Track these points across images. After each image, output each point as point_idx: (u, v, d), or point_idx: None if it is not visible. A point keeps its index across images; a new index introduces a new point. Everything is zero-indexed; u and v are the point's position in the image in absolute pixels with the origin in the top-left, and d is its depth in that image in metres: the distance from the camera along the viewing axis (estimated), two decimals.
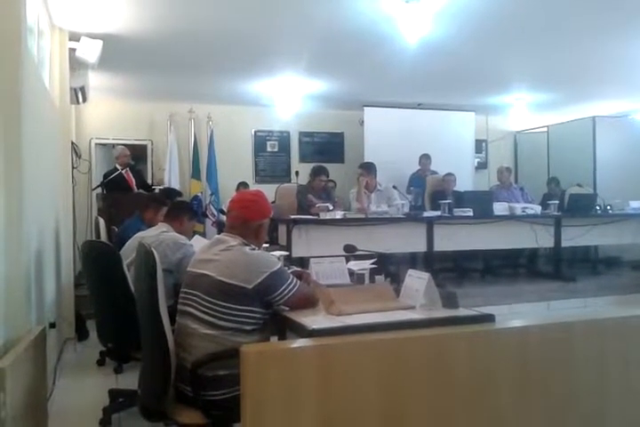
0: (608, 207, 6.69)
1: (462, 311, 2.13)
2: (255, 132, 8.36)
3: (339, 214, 5.52)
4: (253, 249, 2.24)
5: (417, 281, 2.26)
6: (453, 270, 6.67)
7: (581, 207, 6.50)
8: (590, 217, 6.51)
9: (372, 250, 3.00)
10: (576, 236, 6.40)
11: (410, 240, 5.81)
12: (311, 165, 6.62)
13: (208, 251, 2.28)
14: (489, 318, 2.04)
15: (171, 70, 6.23)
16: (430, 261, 6.01)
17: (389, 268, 5.11)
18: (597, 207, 6.65)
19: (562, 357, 2.04)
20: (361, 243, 3.05)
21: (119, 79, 6.48)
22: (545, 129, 8.97)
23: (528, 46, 5.49)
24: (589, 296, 5.99)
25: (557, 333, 2.06)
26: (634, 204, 6.75)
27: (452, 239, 5.95)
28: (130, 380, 3.38)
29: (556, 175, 7.74)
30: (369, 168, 6.10)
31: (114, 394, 3.25)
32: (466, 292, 5.78)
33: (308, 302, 2.25)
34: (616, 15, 4.62)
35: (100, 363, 4.06)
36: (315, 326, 1.94)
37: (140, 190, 6.50)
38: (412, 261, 6.33)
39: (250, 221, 2.31)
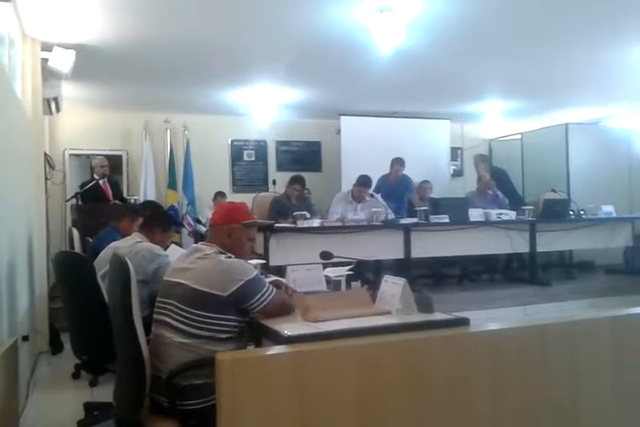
0: (581, 212, 6.80)
1: (437, 316, 2.14)
2: (232, 141, 8.35)
3: (316, 222, 5.53)
4: (229, 257, 2.23)
5: (393, 287, 2.27)
6: (431, 277, 6.72)
7: (555, 212, 6.60)
8: (564, 222, 6.62)
9: (350, 257, 3.02)
10: (550, 241, 6.49)
11: (387, 247, 5.85)
12: (289, 174, 6.64)
13: (184, 260, 2.27)
14: (463, 322, 2.05)
15: (145, 80, 6.21)
16: (408, 267, 6.04)
17: (367, 274, 5.14)
18: (571, 212, 6.76)
19: (535, 359, 2.07)
20: (339, 250, 3.06)
21: (93, 89, 6.43)
22: (519, 136, 9.11)
23: (501, 55, 5.58)
24: (565, 300, 6.07)
25: (530, 335, 2.08)
26: (606, 208, 6.88)
27: (428, 246, 6.00)
28: (106, 393, 3.32)
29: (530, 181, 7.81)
30: (367, 183, 6.16)
31: (89, 407, 3.20)
32: (443, 297, 5.80)
33: (284, 310, 2.24)
34: (586, 24, 4.72)
35: (75, 376, 3.99)
36: (290, 333, 1.93)
37: (116, 201, 6.45)
38: (390, 267, 6.35)
39: (219, 225, 2.33)
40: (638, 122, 8.38)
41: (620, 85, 6.88)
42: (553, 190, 7.31)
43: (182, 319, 2.09)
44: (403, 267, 6.11)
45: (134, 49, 5.03)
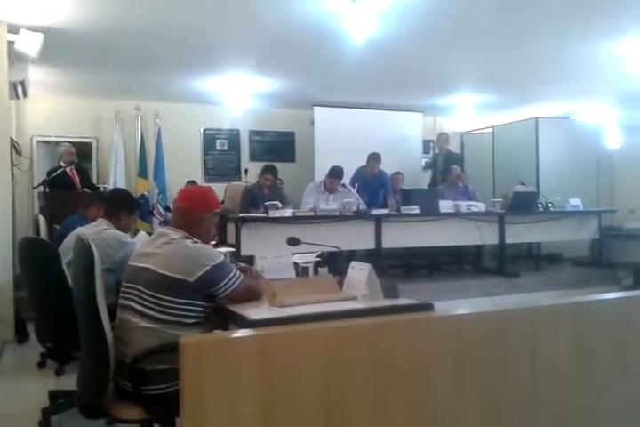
0: (549, 205, 6.91)
1: (402, 301, 2.17)
2: (204, 130, 8.27)
3: (288, 212, 5.53)
4: (196, 242, 2.22)
5: (359, 273, 2.29)
6: (401, 267, 6.77)
7: (524, 205, 6.70)
8: (532, 214, 6.73)
9: (318, 244, 3.03)
10: (519, 233, 6.60)
11: (359, 237, 5.88)
12: (262, 164, 6.61)
13: (150, 245, 2.25)
14: (427, 307, 2.08)
15: (116, 66, 6.11)
16: (379, 257, 6.08)
17: (339, 264, 5.16)
18: (539, 205, 6.87)
19: (497, 344, 2.10)
20: (311, 240, 3.06)
21: (62, 74, 6.30)
22: (490, 130, 9.21)
23: (473, 47, 5.63)
24: (532, 291, 6.20)
25: (493, 320, 2.12)
26: (573, 201, 7.01)
27: (399, 236, 6.05)
28: (71, 381, 3.25)
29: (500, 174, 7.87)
30: (338, 174, 6.17)
31: (54, 395, 3.16)
32: (413, 288, 5.88)
33: (251, 295, 2.25)
34: (557, 19, 4.78)
35: (41, 365, 3.93)
36: (256, 317, 1.94)
37: (85, 189, 6.35)
38: (362, 258, 6.38)
39: (191, 213, 2.29)
40: (606, 117, 8.53)
41: (589, 80, 7.00)
42: (522, 183, 7.41)
43: (148, 304, 2.08)
44: (374, 257, 6.15)
45: (104, 33, 4.94)
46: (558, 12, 4.61)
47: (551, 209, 6.89)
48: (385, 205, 6.59)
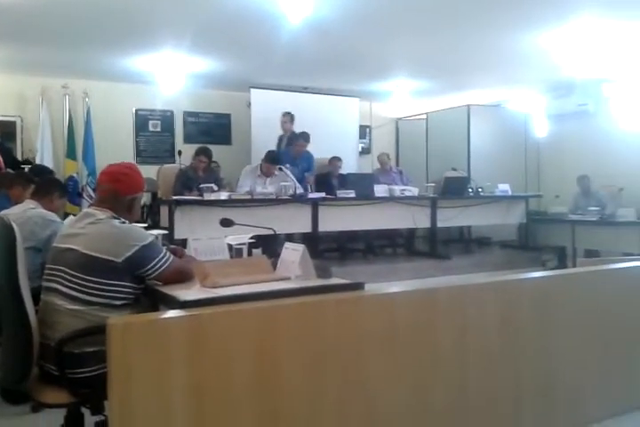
0: (479, 190, 7.13)
1: (334, 280, 2.19)
2: (136, 110, 8.02)
3: (224, 195, 5.46)
4: (123, 222, 2.16)
5: (292, 253, 2.30)
6: (337, 250, 6.84)
7: (455, 190, 6.88)
8: (463, 199, 6.93)
9: (258, 232, 3.02)
10: (450, 217, 6.79)
11: (295, 221, 5.88)
12: (197, 146, 6.49)
13: (74, 225, 2.17)
14: (359, 286, 2.12)
15: (42, 41, 5.81)
16: (315, 241, 6.12)
17: (276, 248, 5.16)
18: (470, 190, 7.07)
19: (427, 321, 2.17)
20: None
21: None
22: (424, 116, 9.38)
23: (409, 34, 5.69)
24: (463, 273, 6.41)
25: (422, 298, 2.18)
26: (502, 187, 7.25)
27: (335, 220, 6.10)
28: None
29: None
30: (274, 159, 6.09)
31: None
32: (348, 270, 5.96)
33: (182, 276, 2.22)
34: (488, 9, 4.90)
35: None
36: (187, 298, 1.92)
37: (8, 169, 6.04)
38: (297, 241, 6.40)
39: (122, 195, 2.23)
40: (534, 105, 8.86)
41: (518, 69, 7.23)
42: (454, 169, 7.62)
43: (74, 286, 2.02)
44: (310, 240, 6.18)
45: (31, 6, 4.68)
46: (489, 2, 4.72)
47: (481, 194, 7.11)
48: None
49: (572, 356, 2.53)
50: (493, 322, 2.34)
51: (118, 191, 2.22)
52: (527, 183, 8.62)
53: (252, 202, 5.59)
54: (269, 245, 4.88)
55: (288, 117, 7.42)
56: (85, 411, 2.04)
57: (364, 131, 9.35)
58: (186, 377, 1.73)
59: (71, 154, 7.35)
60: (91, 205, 2.33)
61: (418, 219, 6.61)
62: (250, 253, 2.70)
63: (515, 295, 2.41)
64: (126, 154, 7.70)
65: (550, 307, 2.48)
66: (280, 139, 7.55)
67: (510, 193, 7.30)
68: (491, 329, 2.33)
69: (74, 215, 4.40)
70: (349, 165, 8.00)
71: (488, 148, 8.47)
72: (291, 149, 7.02)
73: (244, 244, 2.68)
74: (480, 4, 4.79)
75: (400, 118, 9.86)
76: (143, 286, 2.15)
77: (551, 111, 8.46)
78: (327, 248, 6.76)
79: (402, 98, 8.44)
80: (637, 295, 2.75)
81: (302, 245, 2.26)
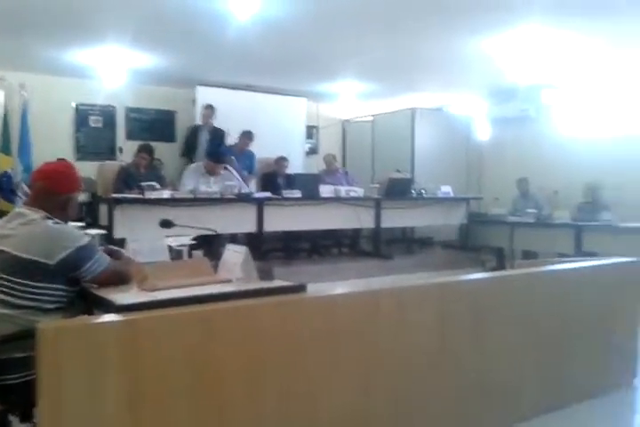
0: (422, 191, 7.27)
1: (276, 283, 2.18)
2: (77, 105, 7.75)
3: (166, 194, 5.35)
4: (58, 223, 2.08)
5: (235, 255, 2.27)
6: (282, 250, 6.83)
7: (399, 191, 6.99)
8: (407, 200, 7.05)
9: (200, 232, 2.97)
10: (394, 217, 6.89)
11: (240, 221, 5.83)
12: (139, 143, 6.34)
13: (5, 226, 2.08)
14: (301, 289, 2.11)
15: None
16: (260, 241, 6.09)
17: (218, 248, 5.10)
18: (413, 191, 7.20)
19: (368, 323, 2.19)
20: (190, 224, 2.98)
21: None
22: (371, 118, 9.48)
23: (356, 35, 5.71)
24: (406, 273, 6.51)
25: (363, 300, 2.20)
26: (444, 189, 7.42)
27: (281, 220, 6.08)
28: None
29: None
30: (218, 158, 6.01)
31: None
32: (293, 270, 5.96)
33: (119, 279, 2.16)
34: (438, 13, 4.96)
35: None
36: (123, 302, 1.86)
37: None
38: (242, 241, 6.34)
39: (57, 194, 2.15)
40: (477, 109, 9.08)
41: (461, 74, 7.38)
42: (398, 170, 7.73)
43: (3, 289, 1.94)
44: (255, 241, 6.14)
45: None
46: (434, 6, 4.80)
47: (424, 195, 7.25)
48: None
49: (507, 355, 2.60)
50: (433, 323, 2.38)
51: (53, 190, 2.15)
52: (468, 185, 8.84)
53: (196, 201, 5.51)
54: (212, 245, 4.84)
55: (210, 110, 7.23)
56: (14, 419, 1.96)
57: (310, 131, 9.35)
58: (120, 384, 1.68)
59: (5, 149, 7.03)
60: (23, 204, 2.24)
61: (363, 219, 6.67)
62: (190, 255, 2.65)
63: (453, 297, 2.45)
64: (65, 150, 7.44)
65: (487, 308, 2.54)
66: (195, 129, 7.33)
67: (452, 195, 7.48)
68: (430, 330, 2.37)
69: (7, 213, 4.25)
70: (296, 166, 7.99)
71: (431, 150, 8.64)
72: (233, 146, 6.93)
73: (184, 245, 2.63)
74: (427, 8, 4.86)
75: (347, 120, 9.93)
76: (77, 288, 2.09)
77: (493, 116, 8.69)
78: (272, 248, 6.73)
79: (349, 99, 8.50)
80: (569, 296, 2.85)
81: (244, 247, 2.23)
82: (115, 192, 5.38)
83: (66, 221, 2.19)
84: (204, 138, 7.12)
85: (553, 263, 3.29)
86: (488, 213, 7.62)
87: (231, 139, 7.06)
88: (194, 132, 7.28)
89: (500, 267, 7.09)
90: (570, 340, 2.84)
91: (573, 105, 7.95)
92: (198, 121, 7.51)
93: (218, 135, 7.23)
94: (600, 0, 4.57)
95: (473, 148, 9.14)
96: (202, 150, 6.94)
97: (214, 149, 6.76)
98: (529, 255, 6.95)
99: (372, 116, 9.45)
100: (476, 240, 7.68)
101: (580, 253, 6.15)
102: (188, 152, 7.26)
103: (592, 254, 5.82)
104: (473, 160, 9.12)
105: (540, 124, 8.20)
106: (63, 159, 6.66)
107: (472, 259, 7.31)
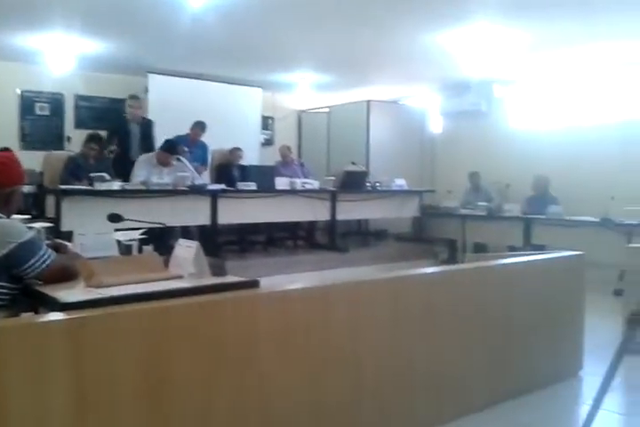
0: (377, 184, 7.31)
1: (229, 278, 2.15)
2: (22, 91, 7.46)
3: (116, 185, 5.21)
4: (0, 218, 2.00)
5: (186, 250, 2.22)
6: (237, 243, 6.77)
7: (354, 184, 7.01)
8: (362, 193, 7.07)
9: (151, 226, 2.89)
10: (349, 210, 6.92)
11: (193, 213, 5.73)
12: (88, 133, 6.14)
13: None
14: (254, 284, 2.09)
15: None
16: (214, 233, 6.01)
17: (170, 241, 5.01)
18: (368, 184, 7.23)
19: (321, 318, 2.18)
20: (142, 216, 2.91)
21: None
22: (327, 110, 9.46)
23: (313, 26, 5.68)
24: (360, 265, 6.56)
25: (316, 295, 2.19)
26: (399, 181, 7.49)
27: (236, 212, 6.01)
28: None
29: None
30: (173, 149, 5.86)
31: None
32: (248, 263, 5.93)
33: (65, 275, 2.08)
34: (394, 6, 4.97)
35: None
36: (69, 300, 1.80)
37: None
38: (195, 234, 6.25)
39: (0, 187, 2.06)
40: (430, 103, 9.18)
41: (417, 67, 7.44)
42: (353, 163, 7.74)
43: None
44: (209, 233, 6.06)
45: None
46: (396, 4, 4.81)
47: (378, 188, 7.29)
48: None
49: (458, 348, 2.65)
50: (385, 317, 2.39)
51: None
52: (422, 178, 8.94)
53: (148, 193, 5.39)
54: (164, 239, 4.76)
55: (135, 101, 6.69)
56: None
57: (266, 122, 9.27)
58: (66, 386, 1.62)
59: None
60: None
61: (318, 212, 6.67)
62: (140, 250, 2.59)
63: (405, 291, 2.47)
64: (9, 139, 7.14)
65: (438, 301, 2.58)
66: (123, 121, 6.67)
67: (406, 187, 7.55)
68: (382, 324, 2.39)
69: None
70: (251, 157, 7.91)
71: (386, 143, 8.70)
72: (185, 136, 6.79)
73: (134, 240, 2.56)
74: (382, 2, 4.87)
75: (303, 111, 9.88)
76: (21, 285, 2.00)
77: (447, 109, 8.81)
78: (227, 241, 6.67)
79: (305, 90, 8.46)
80: (518, 289, 2.92)
81: (196, 242, 2.19)
82: (62, 183, 5.21)
83: (8, 216, 2.10)
84: (134, 130, 6.68)
85: (502, 257, 3.36)
86: (441, 205, 7.72)
87: (184, 130, 6.91)
88: (122, 124, 6.71)
89: (452, 259, 7.24)
90: (518, 332, 2.91)
91: (524, 99, 8.14)
92: (150, 109, 7.34)
93: (148, 126, 6.85)
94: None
95: (427, 141, 9.25)
96: (135, 143, 6.68)
97: (146, 141, 6.61)
98: (479, 247, 7.10)
99: (328, 107, 9.44)
100: (430, 232, 7.79)
101: (530, 245, 6.32)
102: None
103: (541, 247, 5.99)
104: (427, 153, 9.23)
105: (492, 118, 8.36)
106: (7, 149, 6.42)
107: (425, 251, 7.42)
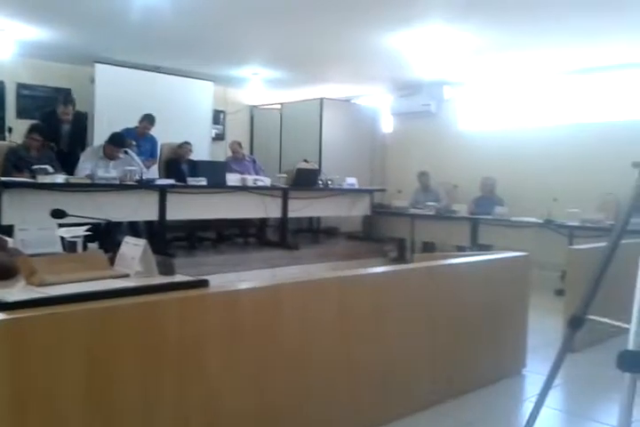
0: (329, 182, 7.33)
1: (177, 278, 2.10)
2: None
3: (60, 178, 5.03)
4: None
5: (133, 248, 2.16)
6: (186, 239, 6.67)
7: (306, 181, 7.00)
8: (313, 190, 7.08)
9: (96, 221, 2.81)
10: (301, 207, 6.91)
11: (141, 209, 5.60)
12: (30, 123, 5.90)
13: None
14: (202, 284, 2.05)
15: None
16: (162, 230, 5.90)
17: (116, 237, 4.88)
18: (320, 182, 7.24)
19: (270, 318, 2.16)
20: (87, 211, 2.83)
21: None
22: (279, 106, 9.41)
23: (266, 21, 5.61)
24: (311, 263, 6.57)
25: (266, 295, 2.17)
26: (350, 180, 7.53)
27: (185, 208, 5.92)
28: None
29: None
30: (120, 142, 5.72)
31: None
32: (198, 260, 5.85)
33: (3, 273, 1.99)
34: (347, 5, 4.97)
35: None
36: (8, 299, 1.72)
37: None
38: (143, 230, 6.12)
39: None
40: (382, 102, 9.27)
41: (370, 67, 7.49)
42: (306, 160, 7.74)
43: None
44: (157, 229, 5.94)
45: None
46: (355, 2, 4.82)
47: (330, 186, 7.32)
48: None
49: (405, 347, 2.68)
50: (333, 316, 2.39)
51: None
52: (373, 177, 9.03)
53: (93, 187, 5.23)
54: (110, 235, 4.63)
55: (66, 108, 6.27)
56: None
57: (217, 116, 9.15)
58: (5, 389, 1.55)
59: None
60: None
61: (269, 209, 6.64)
62: (85, 247, 2.50)
63: (354, 290, 2.48)
64: None
65: (386, 301, 2.60)
66: (52, 114, 6.34)
67: (357, 186, 7.60)
68: (331, 323, 2.39)
69: None
70: (202, 152, 7.80)
71: (339, 141, 8.73)
72: (132, 129, 6.63)
73: (78, 236, 2.47)
74: (333, 2, 4.87)
75: (255, 106, 9.80)
76: None
77: (398, 109, 8.89)
78: (176, 237, 6.56)
79: (257, 86, 8.39)
80: (464, 289, 2.98)
81: (144, 240, 2.13)
82: (3, 175, 4.99)
83: None
84: (65, 128, 6.38)
85: (450, 257, 3.42)
86: (391, 204, 7.81)
87: (132, 122, 6.74)
88: (51, 117, 6.37)
89: (401, 258, 7.34)
90: (464, 332, 2.97)
91: (472, 101, 8.31)
92: (96, 100, 7.13)
93: (79, 121, 6.62)
94: (493, 3, 4.78)
95: (378, 140, 9.34)
96: (65, 137, 6.42)
97: (79, 134, 6.47)
98: (428, 247, 7.22)
99: (281, 104, 9.39)
100: (380, 231, 7.87)
101: (476, 245, 6.47)
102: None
103: (487, 247, 6.14)
104: (378, 153, 9.32)
105: (441, 119, 8.50)
106: None
107: (375, 250, 7.49)
